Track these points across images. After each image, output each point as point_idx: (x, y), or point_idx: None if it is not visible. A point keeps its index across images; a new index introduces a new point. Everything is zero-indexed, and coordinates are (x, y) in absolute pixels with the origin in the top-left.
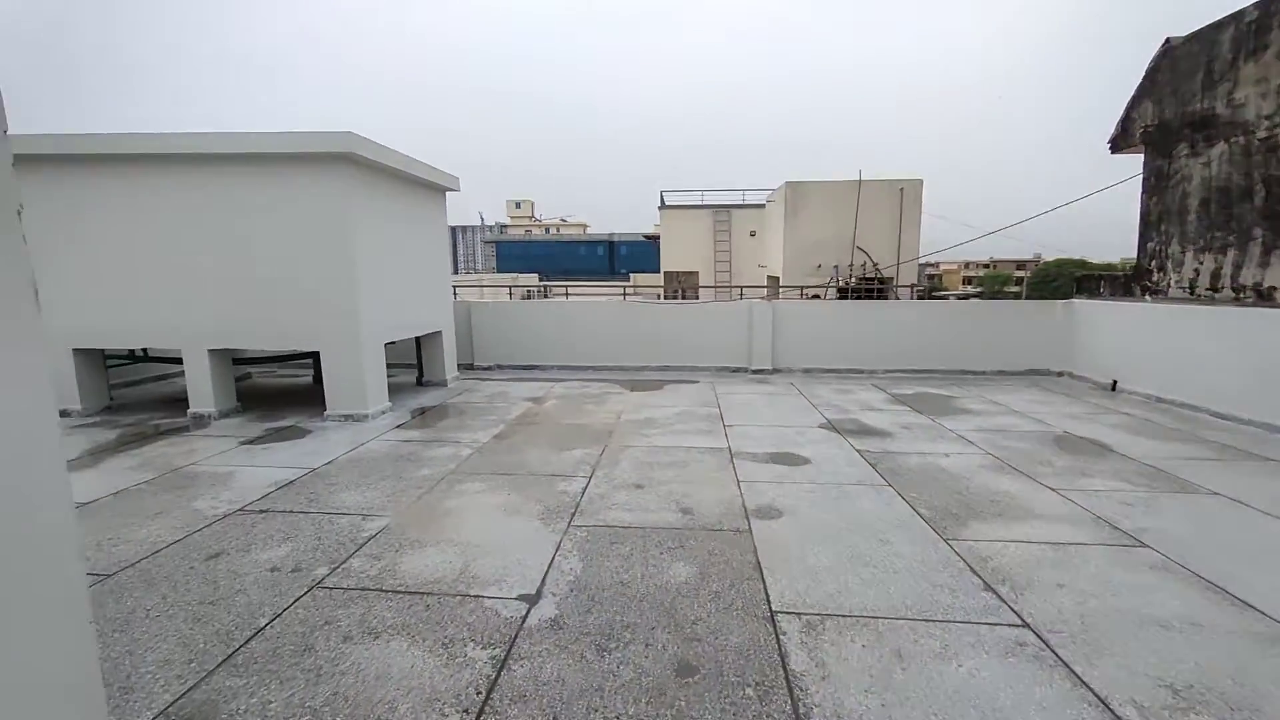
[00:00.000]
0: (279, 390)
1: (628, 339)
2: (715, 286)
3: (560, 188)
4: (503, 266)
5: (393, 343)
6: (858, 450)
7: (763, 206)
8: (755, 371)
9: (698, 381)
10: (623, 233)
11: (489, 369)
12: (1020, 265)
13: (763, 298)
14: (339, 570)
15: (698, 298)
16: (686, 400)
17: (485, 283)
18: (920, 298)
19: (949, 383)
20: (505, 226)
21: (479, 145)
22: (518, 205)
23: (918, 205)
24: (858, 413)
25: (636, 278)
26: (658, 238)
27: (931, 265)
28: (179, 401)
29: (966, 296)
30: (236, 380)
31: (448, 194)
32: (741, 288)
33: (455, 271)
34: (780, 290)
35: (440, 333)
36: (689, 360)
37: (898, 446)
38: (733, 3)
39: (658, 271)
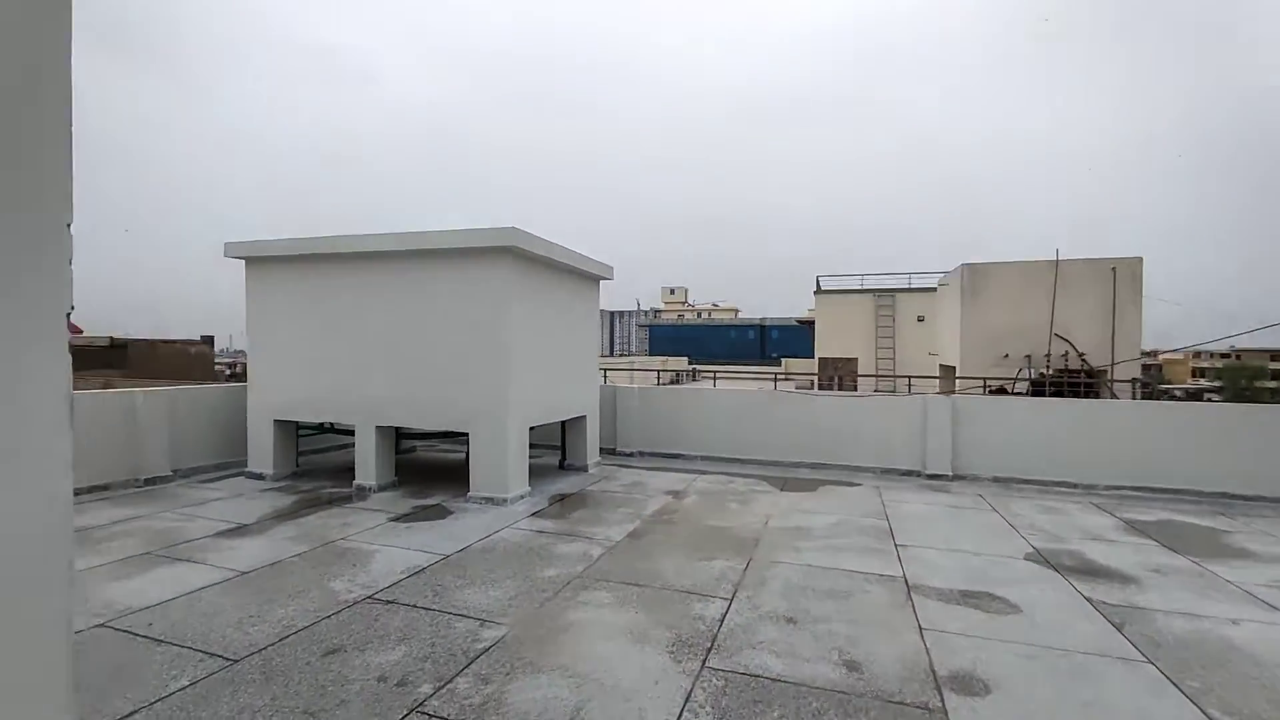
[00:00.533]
0: (435, 466)
1: (779, 431)
2: (877, 376)
3: (714, 276)
4: (655, 349)
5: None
6: (1087, 599)
7: (933, 290)
8: (931, 477)
9: (859, 484)
10: (774, 317)
11: (631, 455)
12: (1276, 356)
13: (936, 390)
14: (444, 690)
15: (855, 385)
16: (846, 507)
17: (636, 366)
18: (1146, 396)
19: (1207, 509)
20: (659, 311)
21: (642, 237)
22: (672, 291)
23: (1136, 287)
24: (1078, 542)
25: (789, 363)
26: (811, 322)
27: (1147, 354)
28: (350, 470)
29: (1199, 392)
30: (402, 453)
31: (605, 282)
32: (909, 377)
33: (611, 353)
34: (957, 381)
35: (585, 417)
36: (849, 458)
37: (1150, 600)
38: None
39: (811, 356)
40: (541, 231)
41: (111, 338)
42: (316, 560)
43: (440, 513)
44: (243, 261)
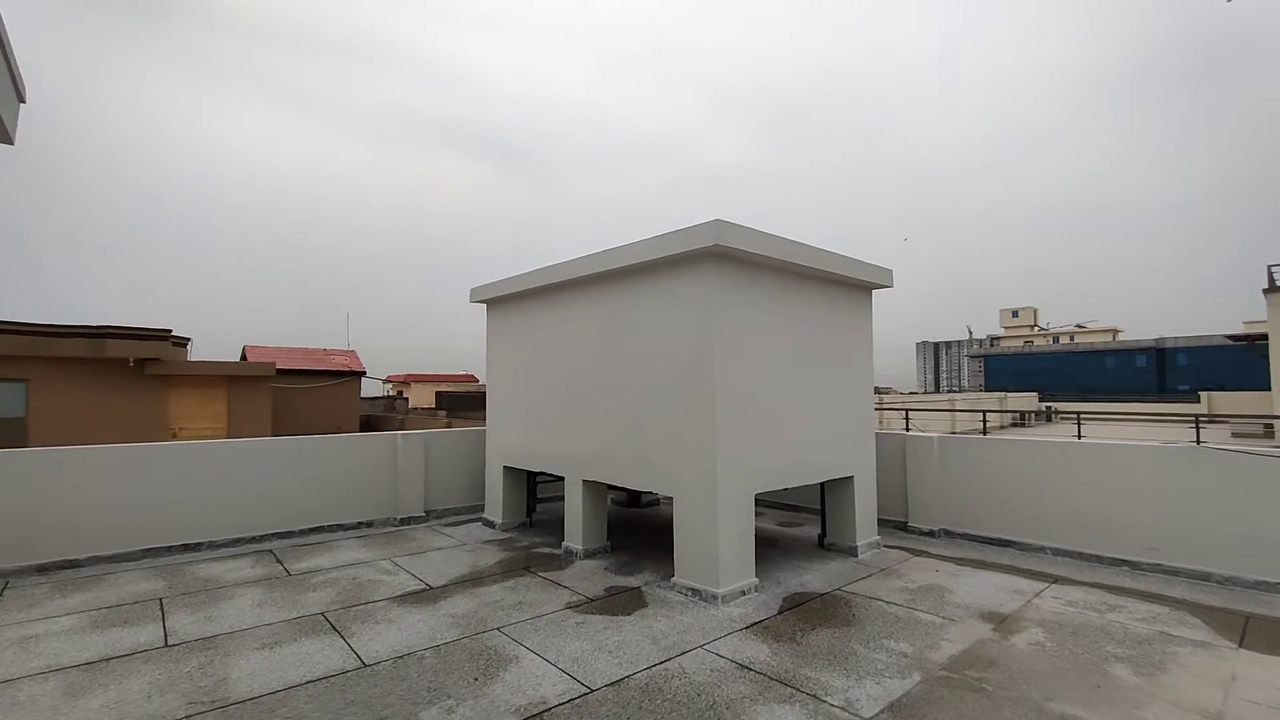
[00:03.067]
0: (666, 528)
1: (1220, 516)
2: None
3: (1075, 293)
4: (992, 383)
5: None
6: None
7: None
8: None
9: None
10: (1180, 336)
11: (930, 535)
12: None
13: None
14: None
15: None
16: None
17: (958, 404)
18: None
19: None
20: (997, 338)
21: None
22: (1014, 314)
23: None
24: None
25: (1214, 399)
26: (1252, 339)
27: None
28: None
29: None
30: (642, 506)
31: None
32: None
33: (937, 389)
34: None
35: (851, 479)
36: None
37: None
38: None
39: (1260, 388)
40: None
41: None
42: (445, 659)
43: (632, 602)
44: (485, 306)
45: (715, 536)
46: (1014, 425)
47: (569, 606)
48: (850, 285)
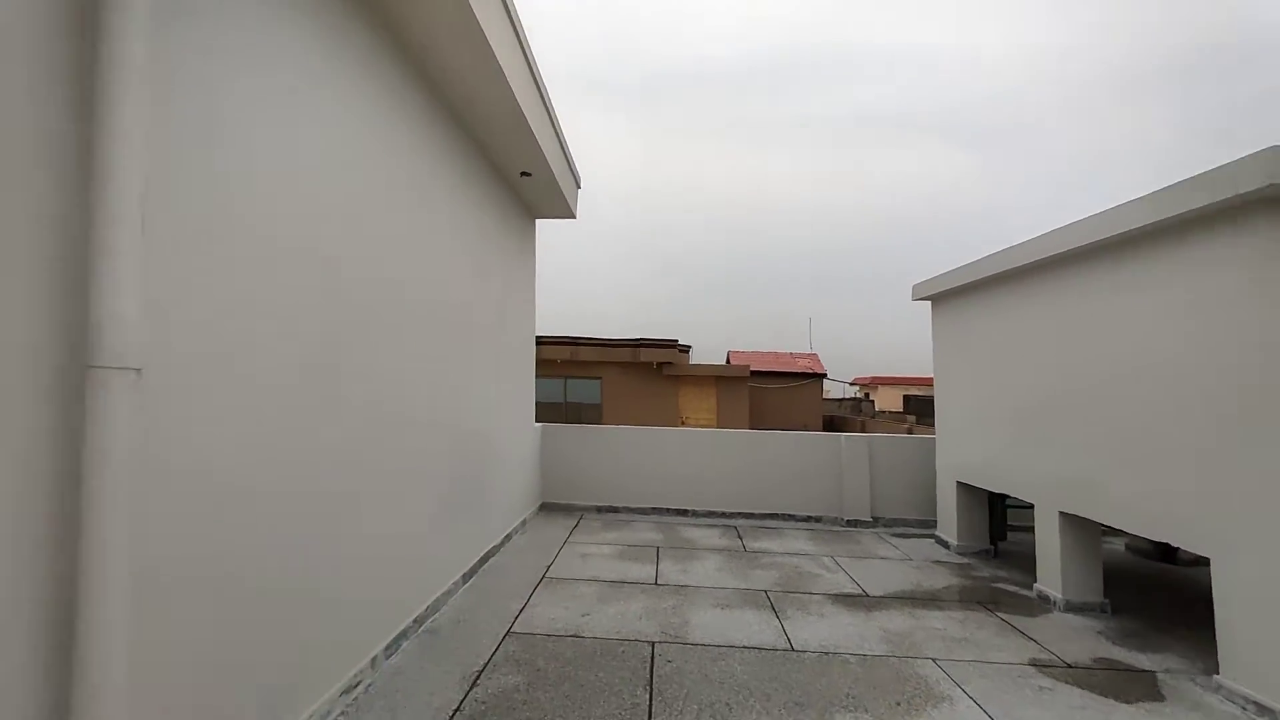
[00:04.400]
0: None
1: None
2: None
3: None
4: None
5: None
6: None
7: None
8: None
9: None
10: None
11: None
12: None
13: None
14: None
15: None
16: None
17: None
18: None
19: None
20: None
21: None
22: None
23: None
24: None
25: None
26: None
27: None
28: None
29: None
30: (1180, 562)
31: None
32: None
33: None
34: None
35: None
36: None
37: None
38: None
39: None
40: None
41: None
42: (868, 671)
43: (1137, 689)
44: (929, 304)
45: None
46: None
47: (1034, 664)
48: None
